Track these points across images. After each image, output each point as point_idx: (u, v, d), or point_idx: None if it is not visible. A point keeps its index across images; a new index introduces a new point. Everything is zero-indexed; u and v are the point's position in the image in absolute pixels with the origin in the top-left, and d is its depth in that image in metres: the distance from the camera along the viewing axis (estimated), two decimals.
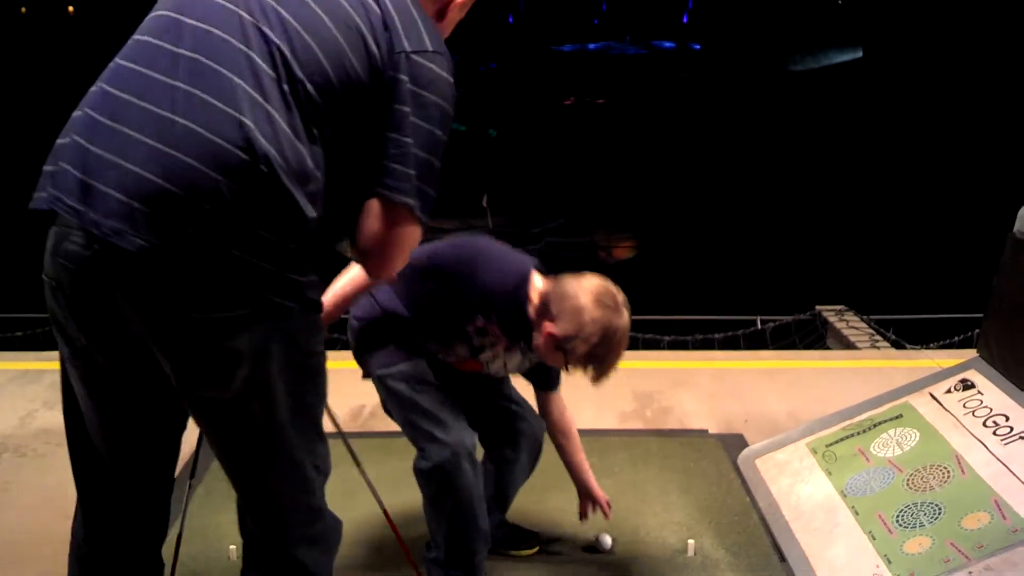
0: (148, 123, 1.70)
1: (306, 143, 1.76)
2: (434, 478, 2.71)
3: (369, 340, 2.80)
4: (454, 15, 2.10)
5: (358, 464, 2.65)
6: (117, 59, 1.83)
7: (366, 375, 2.82)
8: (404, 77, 1.82)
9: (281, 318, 1.78)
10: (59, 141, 1.79)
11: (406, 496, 3.01)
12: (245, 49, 1.75)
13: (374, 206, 1.86)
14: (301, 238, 1.76)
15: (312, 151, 1.77)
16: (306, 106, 1.77)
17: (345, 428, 2.76)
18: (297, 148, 1.74)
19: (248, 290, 1.73)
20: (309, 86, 1.76)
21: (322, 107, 1.78)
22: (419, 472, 2.73)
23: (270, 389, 1.83)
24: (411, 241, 1.93)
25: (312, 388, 1.93)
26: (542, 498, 3.49)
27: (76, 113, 1.80)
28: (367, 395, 3.10)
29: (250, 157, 1.68)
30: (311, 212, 1.75)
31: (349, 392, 3.27)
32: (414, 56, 1.83)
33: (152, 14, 1.87)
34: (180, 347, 1.77)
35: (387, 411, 2.84)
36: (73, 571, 2.11)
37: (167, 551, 2.26)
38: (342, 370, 2.86)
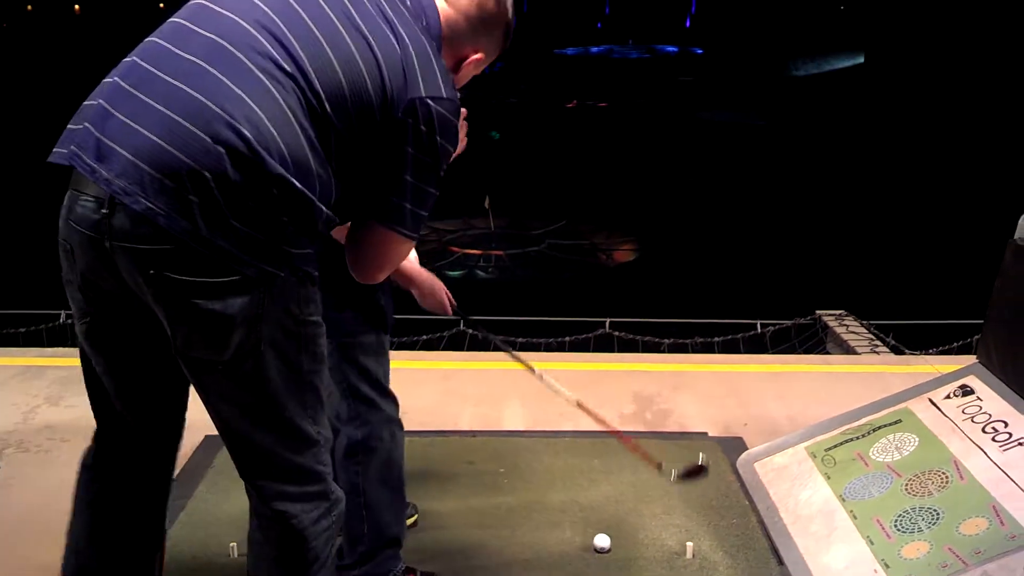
0: (167, 94, 1.81)
1: (309, 139, 1.85)
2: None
3: None
4: (469, 71, 2.22)
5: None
6: (151, 36, 1.95)
7: None
8: (412, 120, 1.94)
9: (272, 286, 1.87)
10: (86, 103, 1.90)
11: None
12: (265, 44, 1.86)
13: (368, 229, 2.06)
14: (294, 214, 1.84)
15: (314, 148, 1.87)
16: (318, 112, 1.87)
17: None
18: (298, 140, 1.84)
19: (241, 257, 1.81)
20: (324, 96, 1.87)
21: (332, 120, 1.88)
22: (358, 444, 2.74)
23: (262, 354, 1.92)
24: (397, 256, 2.15)
25: (307, 356, 2.00)
26: (542, 498, 3.50)
27: (105, 80, 1.91)
28: None
29: (249, 135, 1.78)
30: (309, 194, 1.85)
31: None
32: (427, 101, 1.95)
33: (190, 2, 2.00)
34: (175, 310, 1.86)
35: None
36: (80, 491, 2.22)
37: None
38: None
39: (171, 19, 1.97)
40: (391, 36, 1.95)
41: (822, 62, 37.74)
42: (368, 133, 1.94)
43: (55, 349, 5.63)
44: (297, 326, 1.95)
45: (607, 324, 8.95)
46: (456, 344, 8.06)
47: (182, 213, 1.76)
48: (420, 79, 1.95)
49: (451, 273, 15.36)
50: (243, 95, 1.80)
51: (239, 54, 1.84)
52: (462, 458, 3.92)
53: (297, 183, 1.82)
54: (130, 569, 2.26)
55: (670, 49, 41.55)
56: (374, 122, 1.93)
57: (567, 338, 8.50)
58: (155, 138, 1.77)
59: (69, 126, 1.88)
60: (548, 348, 7.97)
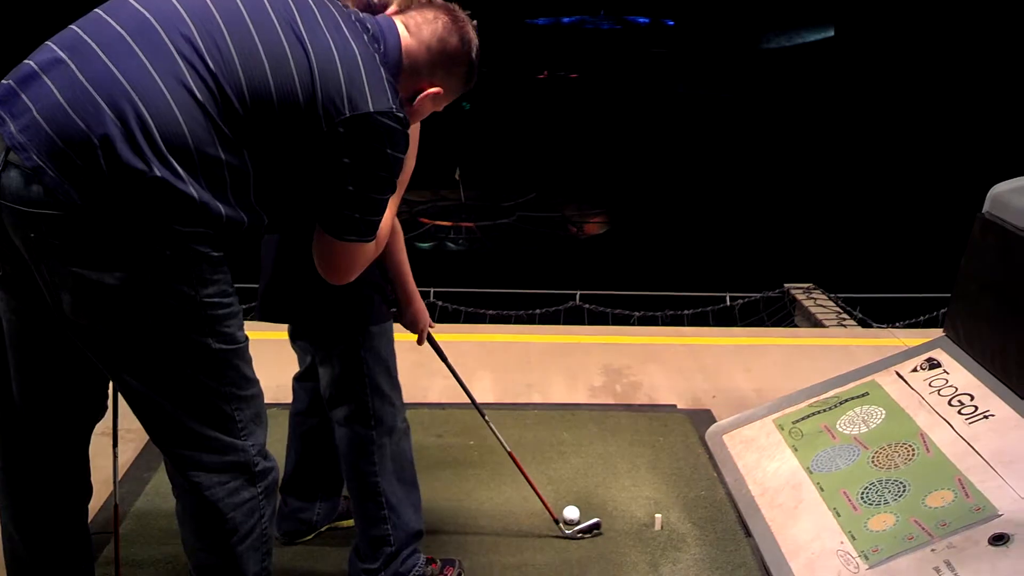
0: (87, 61, 1.82)
1: (220, 132, 1.86)
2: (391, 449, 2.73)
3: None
4: (426, 104, 2.22)
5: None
6: (97, 10, 1.94)
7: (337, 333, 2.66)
8: (343, 132, 1.93)
9: (155, 263, 1.86)
10: (23, 62, 1.90)
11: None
12: (193, 30, 1.87)
13: (323, 239, 2.11)
14: (176, 207, 1.83)
15: (225, 142, 1.87)
16: (235, 107, 1.87)
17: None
18: (205, 131, 1.84)
19: (120, 230, 1.82)
20: (247, 94, 1.87)
21: (253, 118, 1.89)
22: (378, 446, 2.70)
23: (152, 328, 1.92)
24: (361, 258, 2.18)
25: (213, 336, 1.99)
26: (511, 471, 3.50)
27: (46, 42, 1.92)
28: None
29: (147, 116, 1.78)
30: (195, 192, 1.84)
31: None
32: (375, 116, 1.94)
33: None
34: (56, 275, 1.87)
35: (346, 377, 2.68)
36: (1, 497, 2.23)
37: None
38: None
39: None
40: (333, 48, 1.93)
41: (793, 35, 37.77)
42: (297, 137, 1.93)
43: None
44: (193, 306, 1.93)
45: (577, 297, 8.97)
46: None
47: (68, 178, 1.77)
48: (368, 93, 1.93)
49: (421, 245, 15.32)
50: (155, 76, 1.80)
51: (164, 35, 1.84)
52: (431, 431, 3.91)
53: (177, 183, 1.81)
54: (58, 558, 2.28)
55: (642, 20, 41.41)
56: (303, 128, 1.92)
57: (537, 310, 8.52)
58: (60, 99, 1.78)
59: (4, 80, 1.89)
60: (518, 320, 7.97)
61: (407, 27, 2.14)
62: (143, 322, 1.91)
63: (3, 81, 1.86)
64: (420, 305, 2.78)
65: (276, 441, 3.13)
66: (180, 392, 2.01)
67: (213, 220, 1.88)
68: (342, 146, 1.94)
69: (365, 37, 2.02)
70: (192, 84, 1.82)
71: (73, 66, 1.81)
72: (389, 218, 2.29)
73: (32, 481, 2.20)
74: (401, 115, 2.00)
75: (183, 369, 1.99)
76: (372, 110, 1.93)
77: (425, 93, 2.18)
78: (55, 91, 1.79)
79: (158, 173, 1.78)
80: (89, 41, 1.84)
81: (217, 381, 2.03)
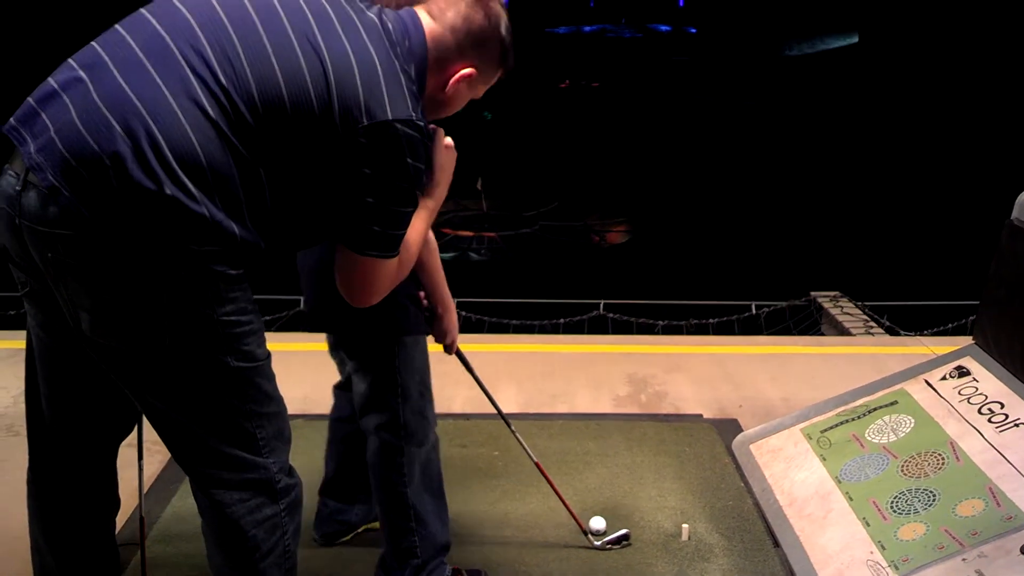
0: (102, 81, 1.82)
1: (234, 149, 1.85)
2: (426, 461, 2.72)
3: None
4: (461, 89, 2.16)
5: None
6: (119, 23, 1.95)
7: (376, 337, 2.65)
8: (363, 142, 1.90)
9: (171, 282, 1.86)
10: (46, 80, 1.91)
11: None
12: (205, 45, 1.86)
13: (344, 256, 2.05)
14: (190, 227, 1.82)
15: (239, 158, 1.85)
16: (248, 121, 1.85)
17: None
18: (219, 149, 1.83)
19: (134, 251, 1.81)
20: (260, 108, 1.85)
21: (268, 132, 1.87)
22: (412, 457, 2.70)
23: (169, 348, 1.92)
24: (384, 277, 2.10)
25: (233, 355, 1.97)
26: (536, 481, 3.48)
27: (67, 60, 1.93)
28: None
29: (158, 136, 1.78)
30: (207, 213, 1.82)
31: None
32: (395, 124, 1.90)
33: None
34: (74, 294, 1.88)
35: (379, 381, 2.67)
36: (31, 508, 2.27)
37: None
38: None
39: (141, 9, 1.97)
40: (350, 55, 1.90)
41: (816, 42, 37.62)
42: (314, 149, 1.91)
43: None
44: (212, 325, 1.92)
45: (601, 306, 8.95)
46: None
47: (81, 197, 1.77)
48: (387, 101, 1.90)
49: (443, 255, 15.26)
50: (167, 94, 1.80)
51: (176, 51, 1.84)
52: (456, 441, 3.90)
53: (190, 203, 1.80)
54: (86, 570, 2.29)
55: (663, 28, 41.37)
56: (320, 139, 1.89)
57: (561, 320, 8.51)
58: (75, 119, 1.78)
59: (27, 99, 1.90)
60: (542, 330, 7.97)
61: (430, 14, 2.09)
62: (160, 342, 1.91)
63: (28, 102, 1.87)
64: (453, 317, 2.75)
65: (314, 448, 3.15)
66: (199, 411, 2.01)
67: (228, 239, 1.87)
68: (361, 156, 1.91)
69: (387, 39, 1.97)
70: (204, 101, 1.81)
71: (89, 84, 1.81)
72: (420, 233, 2.23)
73: (61, 494, 2.21)
74: (421, 123, 1.96)
75: (201, 388, 1.98)
76: (391, 118, 1.89)
77: (458, 76, 2.12)
78: (71, 110, 1.80)
79: (169, 192, 1.77)
80: (105, 58, 1.85)
81: (237, 399, 2.02)
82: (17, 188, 1.83)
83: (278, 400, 2.12)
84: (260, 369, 2.05)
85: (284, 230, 2.01)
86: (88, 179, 1.76)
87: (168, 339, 1.90)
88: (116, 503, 2.33)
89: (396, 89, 1.92)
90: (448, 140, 2.27)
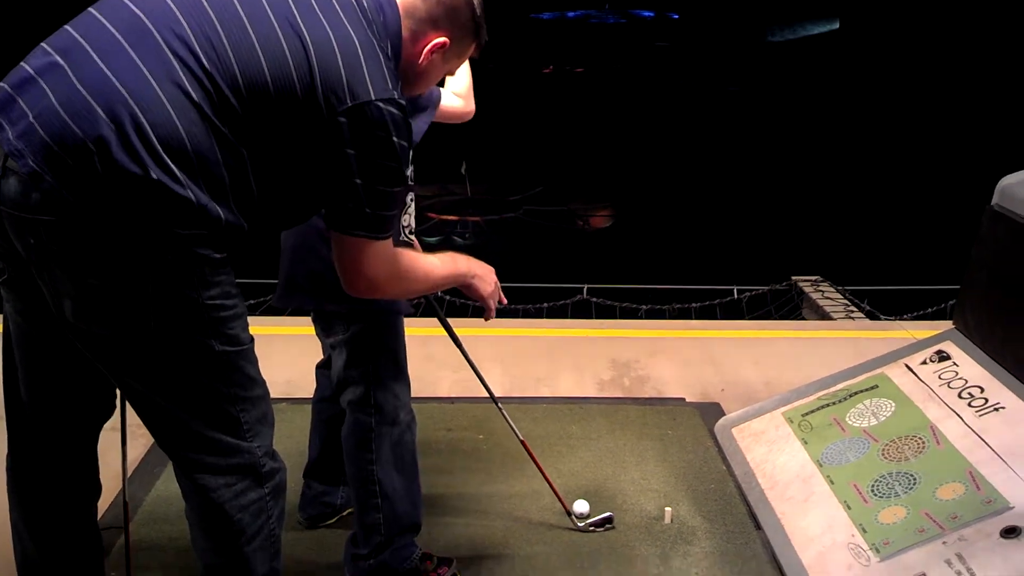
0: (82, 65, 1.80)
1: (217, 132, 1.83)
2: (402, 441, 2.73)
3: None
4: (435, 60, 2.15)
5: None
6: (93, 6, 1.92)
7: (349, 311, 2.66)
8: (345, 122, 1.89)
9: (156, 267, 1.85)
10: (20, 64, 1.88)
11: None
12: (186, 27, 1.84)
13: (336, 241, 2.06)
14: (176, 211, 1.81)
15: (223, 142, 1.84)
16: (233, 105, 1.84)
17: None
18: (202, 132, 1.82)
19: (120, 236, 1.80)
20: (244, 91, 1.84)
21: (251, 116, 1.86)
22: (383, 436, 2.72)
23: (155, 332, 1.90)
24: (375, 259, 2.08)
25: (217, 338, 1.97)
26: (521, 464, 3.50)
27: (41, 44, 1.90)
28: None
29: (143, 120, 1.76)
30: (192, 196, 1.81)
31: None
32: (377, 104, 1.90)
33: None
34: (57, 281, 1.86)
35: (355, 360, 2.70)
36: (11, 494, 2.23)
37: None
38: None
39: None
40: (331, 38, 1.89)
41: (798, 28, 37.68)
42: (299, 132, 1.90)
43: None
44: (197, 309, 1.92)
45: (584, 290, 8.96)
46: (433, 310, 8.04)
47: (64, 183, 1.75)
48: (369, 81, 1.89)
49: (428, 239, 15.33)
50: (149, 78, 1.79)
51: (157, 34, 1.82)
52: (441, 424, 3.91)
53: (175, 187, 1.78)
54: (68, 556, 2.28)
55: (646, 14, 41.34)
56: (304, 121, 1.89)
57: (544, 304, 8.52)
58: (56, 104, 1.76)
59: (0, 84, 1.87)
60: (526, 314, 7.97)
61: None
62: (145, 326, 1.90)
63: (0, 85, 1.85)
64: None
65: (299, 431, 3.15)
66: (183, 395, 2.01)
67: (213, 222, 1.86)
68: (345, 137, 1.90)
69: (364, 17, 1.97)
70: (187, 84, 1.80)
71: (68, 69, 1.79)
72: (434, 277, 2.32)
73: (41, 480, 2.20)
74: (403, 102, 1.97)
75: (186, 372, 1.98)
76: (373, 98, 1.89)
77: (431, 46, 2.11)
78: (50, 95, 1.77)
79: (155, 176, 1.76)
80: (83, 43, 1.82)
81: (221, 383, 2.02)
82: None
83: (261, 384, 2.12)
84: (244, 353, 2.04)
85: (268, 212, 2.00)
86: (72, 164, 1.74)
87: (153, 324, 1.89)
88: (98, 488, 2.31)
89: (376, 68, 1.92)
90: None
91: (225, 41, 1.84)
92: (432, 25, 2.10)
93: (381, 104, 1.91)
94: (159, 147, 1.77)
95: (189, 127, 1.79)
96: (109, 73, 1.78)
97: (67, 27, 1.89)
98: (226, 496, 2.08)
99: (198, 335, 1.95)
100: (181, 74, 1.80)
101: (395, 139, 1.95)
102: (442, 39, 2.12)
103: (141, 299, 1.87)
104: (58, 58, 1.81)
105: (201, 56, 1.82)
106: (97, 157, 1.74)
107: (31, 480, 2.20)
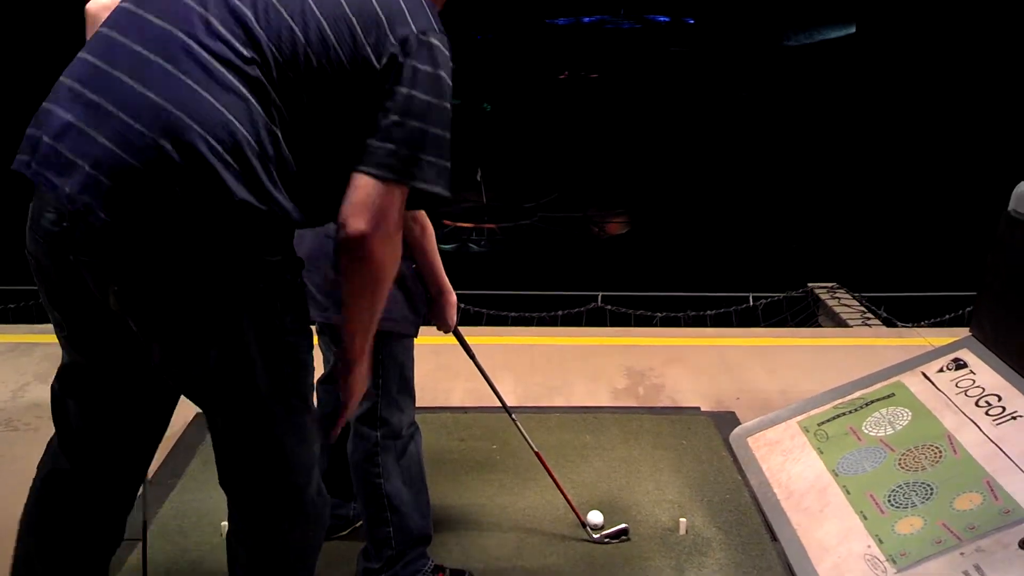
0: (123, 96, 1.71)
1: (272, 132, 1.74)
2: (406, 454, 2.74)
3: None
4: None
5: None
6: (103, 26, 1.83)
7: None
8: (402, 59, 1.79)
9: (248, 300, 1.79)
10: (44, 106, 1.79)
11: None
12: (219, 26, 1.74)
13: (355, 182, 1.80)
14: (263, 229, 1.75)
15: (279, 137, 1.75)
16: (285, 91, 1.76)
17: None
18: (265, 136, 1.73)
19: (209, 273, 1.73)
20: (291, 75, 1.75)
21: (302, 98, 1.77)
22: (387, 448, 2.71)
23: (244, 366, 1.84)
24: (390, 208, 1.81)
25: (290, 366, 1.93)
26: (534, 475, 3.48)
27: (61, 80, 1.81)
28: None
29: (214, 143, 1.67)
30: (277, 208, 1.74)
31: None
32: (404, 41, 1.81)
33: None
34: (146, 325, 1.80)
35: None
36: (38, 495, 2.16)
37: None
38: None
39: (120, 4, 1.85)
40: None
41: (814, 32, 37.58)
42: (350, 96, 1.79)
43: (45, 326, 5.58)
44: (279, 335, 1.87)
45: (599, 298, 8.94)
46: None
47: (144, 226, 1.68)
48: (408, 16, 1.81)
49: (443, 246, 15.25)
50: (206, 95, 1.69)
51: (195, 45, 1.72)
52: (454, 434, 3.91)
53: (262, 205, 1.71)
54: None
55: (662, 19, 41.32)
56: (356, 82, 1.78)
57: (559, 312, 8.50)
58: (112, 146, 1.67)
59: (29, 131, 1.78)
60: (540, 322, 7.96)
61: None
62: (237, 362, 1.83)
63: (35, 135, 1.76)
64: (450, 301, 2.76)
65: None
66: (261, 432, 1.94)
67: (292, 225, 1.80)
68: (393, 78, 1.79)
69: None
70: (232, 79, 1.71)
71: (107, 104, 1.69)
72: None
73: (73, 516, 2.12)
74: (444, 33, 1.87)
75: (268, 406, 1.92)
76: (415, 31, 1.80)
77: None
78: (98, 138, 1.68)
79: (240, 197, 1.68)
80: (110, 70, 1.73)
81: (288, 415, 1.96)
82: (65, 225, 1.72)
83: (314, 410, 2.08)
84: (306, 380, 2.00)
85: (321, 196, 1.86)
86: (144, 205, 1.66)
87: (250, 353, 1.83)
88: (120, 537, 2.22)
89: (416, 5, 1.84)
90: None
91: (264, 18, 1.75)
92: None
93: (423, 35, 1.82)
94: (230, 159, 1.68)
95: (250, 127, 1.71)
96: (152, 95, 1.68)
97: (85, 55, 1.80)
98: (276, 536, 2.06)
99: (278, 365, 1.89)
100: (224, 71, 1.71)
101: (440, 72, 1.84)
102: None
103: (233, 334, 1.80)
104: (91, 95, 1.72)
105: (236, 44, 1.73)
106: (169, 189, 1.66)
107: (63, 514, 2.12)
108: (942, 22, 31.97)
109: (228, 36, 1.74)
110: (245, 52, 1.73)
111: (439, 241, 2.74)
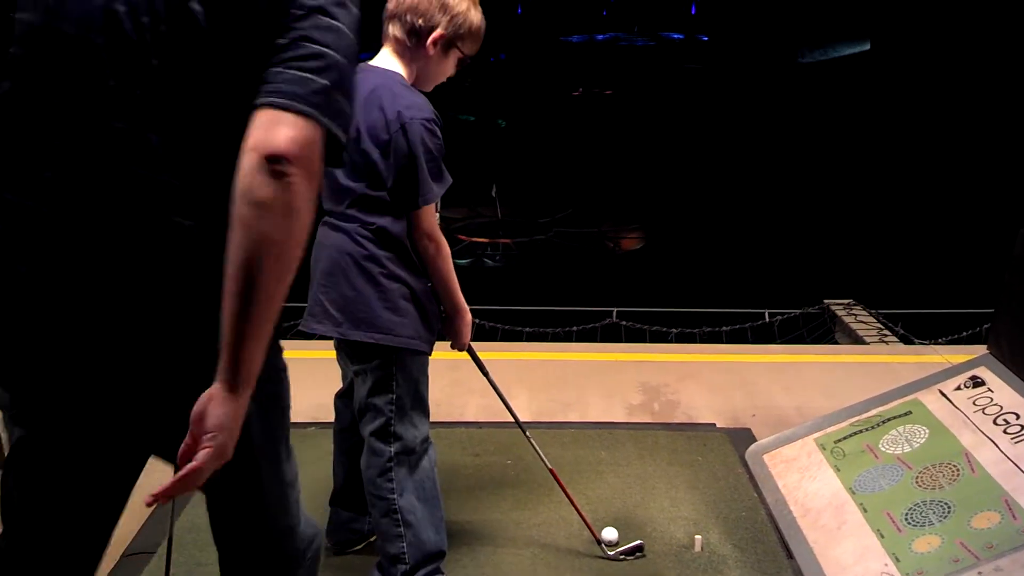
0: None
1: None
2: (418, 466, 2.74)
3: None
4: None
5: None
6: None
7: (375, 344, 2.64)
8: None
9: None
10: None
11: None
12: None
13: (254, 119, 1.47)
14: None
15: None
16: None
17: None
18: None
19: (197, 335, 1.58)
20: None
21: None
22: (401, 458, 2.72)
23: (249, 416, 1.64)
24: (303, 141, 1.46)
25: (277, 408, 1.84)
26: (549, 490, 3.47)
27: None
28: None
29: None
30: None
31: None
32: None
33: None
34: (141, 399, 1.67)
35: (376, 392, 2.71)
36: None
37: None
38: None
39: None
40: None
41: (828, 49, 37.58)
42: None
43: None
44: (276, 376, 1.79)
45: (614, 314, 8.92)
46: None
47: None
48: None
49: (458, 262, 15.27)
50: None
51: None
52: (468, 450, 3.90)
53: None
54: None
55: (676, 36, 41.40)
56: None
57: (574, 328, 8.49)
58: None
59: None
60: (555, 338, 7.95)
61: None
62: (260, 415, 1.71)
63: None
64: (465, 321, 2.78)
65: (326, 455, 3.15)
66: (260, 478, 1.84)
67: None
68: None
69: None
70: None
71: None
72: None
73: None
74: None
75: (266, 451, 1.83)
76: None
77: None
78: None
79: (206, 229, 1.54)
80: None
81: (279, 455, 1.88)
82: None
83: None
84: (288, 420, 1.90)
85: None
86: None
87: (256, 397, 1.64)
88: None
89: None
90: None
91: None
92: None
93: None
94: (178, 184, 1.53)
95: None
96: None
97: None
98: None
99: (272, 407, 1.80)
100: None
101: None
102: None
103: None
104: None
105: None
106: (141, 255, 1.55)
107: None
108: (957, 38, 31.92)
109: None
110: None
111: (455, 256, 2.75)
